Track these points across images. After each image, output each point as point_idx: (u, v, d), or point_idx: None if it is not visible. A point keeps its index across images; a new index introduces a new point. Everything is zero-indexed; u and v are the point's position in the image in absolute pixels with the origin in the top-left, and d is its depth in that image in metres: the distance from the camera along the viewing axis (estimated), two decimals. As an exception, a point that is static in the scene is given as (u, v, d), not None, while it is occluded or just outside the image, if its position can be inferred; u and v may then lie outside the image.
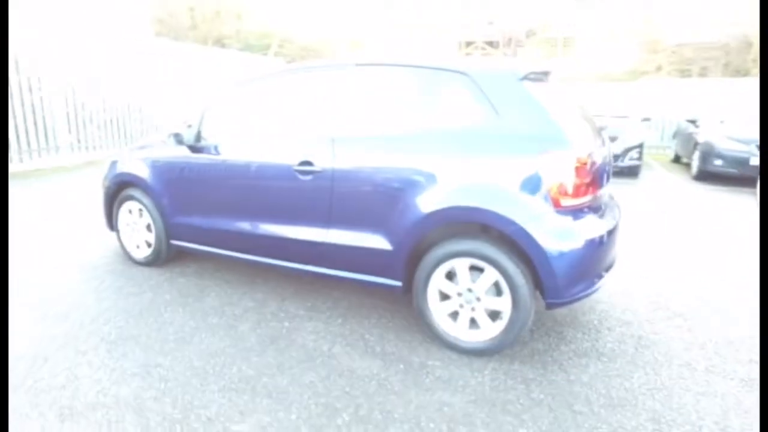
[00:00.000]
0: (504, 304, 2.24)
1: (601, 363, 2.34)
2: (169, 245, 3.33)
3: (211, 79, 10.77)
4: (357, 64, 2.62)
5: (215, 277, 3.31)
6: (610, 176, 2.82)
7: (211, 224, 3.05)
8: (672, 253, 4.03)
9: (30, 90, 7.42)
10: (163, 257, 3.39)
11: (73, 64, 8.09)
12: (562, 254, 2.12)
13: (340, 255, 2.58)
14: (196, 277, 3.32)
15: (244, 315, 2.79)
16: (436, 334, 2.43)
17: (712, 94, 10.92)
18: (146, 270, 3.42)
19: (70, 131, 8.05)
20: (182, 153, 3.09)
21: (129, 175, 3.36)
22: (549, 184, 2.11)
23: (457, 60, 2.41)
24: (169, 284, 3.19)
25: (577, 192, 2.16)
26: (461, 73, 2.31)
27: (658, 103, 11.39)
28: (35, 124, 7.53)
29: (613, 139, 7.72)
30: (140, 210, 3.39)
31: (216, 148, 2.97)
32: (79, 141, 8.25)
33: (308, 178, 2.58)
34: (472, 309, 2.33)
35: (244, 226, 2.90)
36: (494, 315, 2.31)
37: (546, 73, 2.54)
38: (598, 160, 2.48)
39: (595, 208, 2.39)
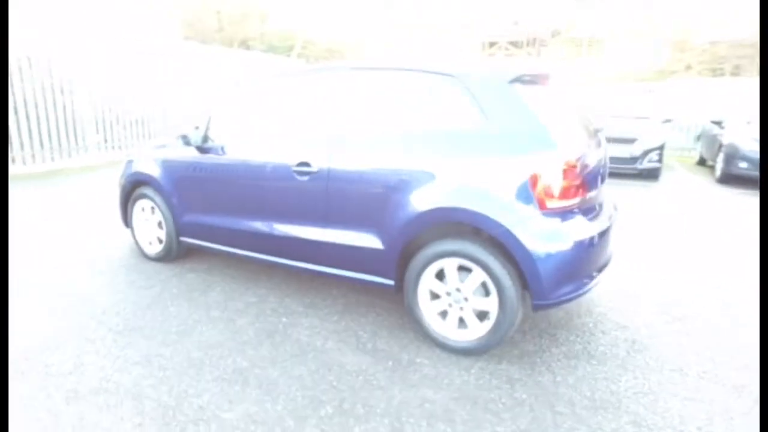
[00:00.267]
0: (491, 304, 2.27)
1: (590, 366, 2.35)
2: (179, 242, 3.47)
3: (234, 80, 11.05)
4: (353, 68, 2.70)
5: (222, 273, 3.44)
6: (606, 177, 2.81)
7: (216, 222, 3.17)
8: (682, 258, 3.95)
9: (62, 92, 7.80)
10: (174, 253, 3.54)
11: (102, 67, 8.45)
12: (547, 256, 2.13)
13: (336, 253, 2.66)
14: (204, 273, 3.45)
15: (245, 310, 2.90)
16: (426, 332, 2.48)
17: (744, 94, 10.52)
18: (158, 265, 3.58)
19: (97, 131, 8.40)
20: (191, 153, 3.23)
21: (142, 174, 3.53)
22: (535, 187, 2.13)
23: (448, 63, 2.45)
24: (178, 279, 3.34)
25: (565, 194, 2.18)
26: (451, 76, 2.36)
27: (686, 104, 11.07)
28: (66, 125, 7.90)
29: (631, 140, 7.59)
30: (152, 208, 3.55)
31: (221, 149, 3.09)
32: (106, 141, 8.60)
33: (305, 178, 2.67)
34: (461, 309, 2.37)
35: (247, 224, 3.01)
36: (482, 315, 2.34)
37: (540, 76, 2.55)
38: (591, 163, 2.48)
39: (587, 210, 2.40)
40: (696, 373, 2.29)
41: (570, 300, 2.33)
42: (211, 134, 3.18)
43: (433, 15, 24.63)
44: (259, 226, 2.96)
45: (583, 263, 2.29)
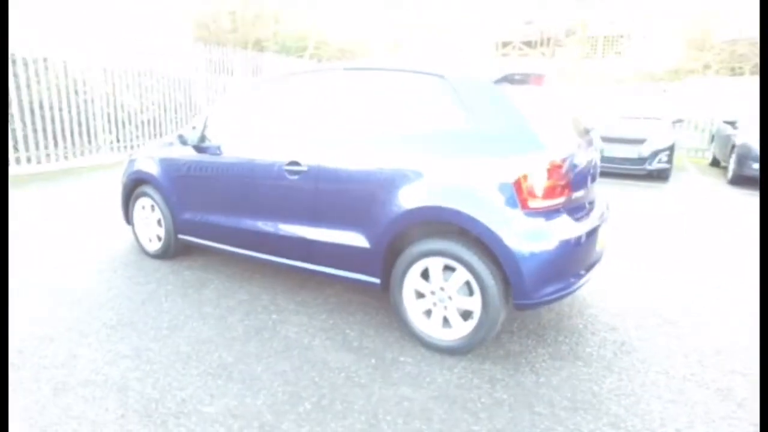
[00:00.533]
0: (475, 304, 2.27)
1: (575, 367, 2.33)
2: (177, 239, 3.54)
3: (245, 81, 11.18)
4: (345, 69, 2.72)
5: (218, 271, 3.50)
6: (597, 176, 2.79)
7: (212, 220, 3.23)
8: (681, 259, 3.89)
9: (76, 93, 8.00)
10: (172, 251, 3.62)
11: (115, 67, 8.64)
12: (530, 255, 2.13)
13: (324, 251, 2.69)
14: (200, 270, 3.52)
15: (237, 307, 2.94)
16: (411, 331, 2.49)
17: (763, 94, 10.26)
18: (156, 262, 3.65)
19: (110, 131, 8.60)
20: (188, 153, 3.29)
21: (142, 173, 3.61)
22: (517, 186, 2.12)
23: (436, 63, 2.45)
24: (175, 276, 3.40)
25: (549, 194, 2.17)
26: (438, 76, 2.36)
27: (702, 104, 10.84)
28: (79, 125, 8.10)
29: (640, 141, 7.48)
30: (152, 206, 3.63)
31: (217, 148, 3.15)
32: (118, 140, 8.80)
33: (295, 177, 2.70)
34: (445, 308, 2.37)
35: (241, 222, 3.06)
36: (466, 315, 2.34)
37: (530, 75, 2.54)
38: (580, 162, 2.47)
39: (575, 208, 2.38)
40: (682, 376, 2.25)
41: (556, 300, 2.32)
42: (208, 134, 3.24)
43: (445, 15, 24.55)
44: (252, 224, 3.01)
45: (568, 262, 2.27)
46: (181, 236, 3.51)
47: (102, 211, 5.07)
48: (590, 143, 2.74)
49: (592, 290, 3.22)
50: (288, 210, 2.81)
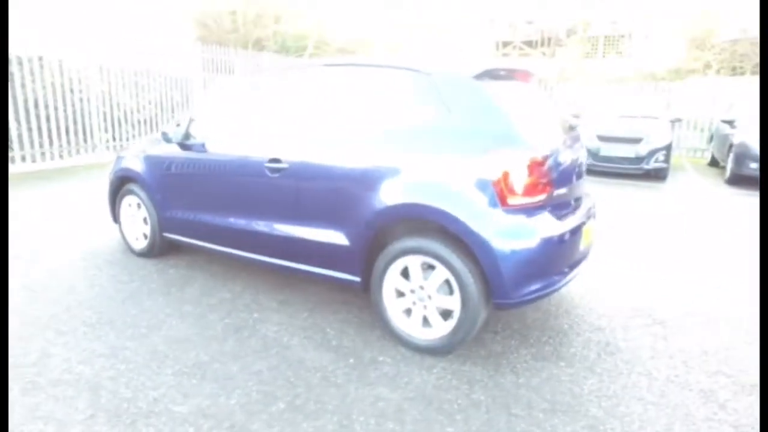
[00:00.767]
0: (454, 303, 2.23)
1: (557, 368, 2.29)
2: (162, 237, 3.51)
3: (229, 78, 11.16)
4: (326, 65, 2.69)
5: (202, 269, 3.47)
6: (583, 173, 2.74)
7: (195, 218, 3.20)
8: (676, 260, 3.84)
9: (71, 91, 7.99)
10: (157, 249, 3.58)
11: (112, 66, 8.63)
12: (509, 253, 2.08)
13: (304, 249, 2.65)
14: (185, 269, 3.48)
15: (218, 305, 2.91)
16: (391, 330, 2.45)
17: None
18: (142, 261, 3.62)
19: (106, 130, 8.58)
20: (173, 150, 3.26)
21: (128, 170, 3.58)
22: (496, 183, 2.08)
23: (415, 59, 2.41)
24: (159, 274, 3.37)
25: (529, 191, 2.12)
26: (418, 71, 2.33)
27: (702, 103, 10.76)
28: (75, 123, 8.08)
29: (637, 140, 7.42)
30: (138, 204, 3.60)
31: (202, 145, 3.12)
32: (114, 139, 8.78)
33: (276, 174, 2.67)
34: (424, 307, 2.33)
35: (224, 220, 3.03)
36: (446, 314, 2.30)
37: (514, 71, 2.50)
38: (564, 159, 2.42)
39: (558, 206, 2.34)
40: (665, 377, 2.21)
41: (538, 299, 2.28)
42: (193, 131, 3.21)
43: (445, 15, 24.50)
44: (235, 221, 2.98)
45: (550, 261, 2.23)
46: (166, 234, 3.48)
47: (93, 210, 5.03)
48: (576, 140, 2.70)
49: (581, 290, 3.18)
50: (269, 207, 2.77)
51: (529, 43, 24.92)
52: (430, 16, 25.15)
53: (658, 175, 7.61)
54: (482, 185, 2.09)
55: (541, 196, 2.17)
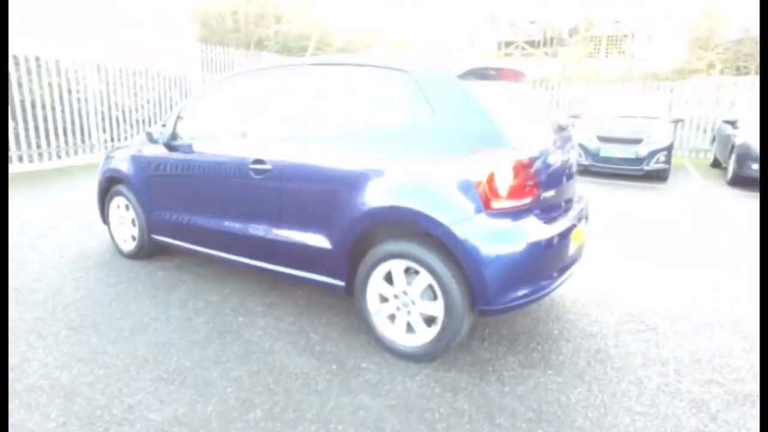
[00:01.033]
0: (438, 309, 2.18)
1: (545, 376, 2.23)
2: (151, 239, 3.47)
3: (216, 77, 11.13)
4: (311, 64, 2.64)
5: (191, 272, 3.43)
6: (574, 175, 2.68)
7: (183, 220, 3.16)
8: (670, 263, 3.77)
9: (69, 92, 7.98)
10: (146, 251, 3.55)
11: (110, 66, 8.61)
12: (493, 258, 2.03)
13: (288, 252, 2.61)
14: (174, 271, 3.44)
15: (204, 308, 2.87)
16: (375, 336, 2.40)
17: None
18: (130, 263, 3.59)
19: (104, 130, 8.57)
20: (160, 151, 3.23)
21: (117, 171, 3.55)
22: (479, 185, 2.03)
23: (401, 58, 2.36)
24: (147, 277, 3.33)
25: (514, 194, 2.07)
26: (402, 71, 2.27)
27: (706, 103, 10.66)
28: (73, 123, 8.08)
29: (637, 141, 7.34)
30: (126, 205, 3.56)
31: (187, 146, 3.08)
32: (112, 139, 8.77)
33: (260, 176, 2.62)
34: (408, 312, 2.28)
35: (210, 222, 2.99)
36: (430, 320, 2.25)
37: (501, 70, 2.45)
38: (553, 161, 2.37)
39: (547, 209, 2.29)
40: (656, 386, 2.15)
41: (524, 305, 2.23)
42: (179, 131, 3.17)
43: (446, 14, 24.40)
44: (221, 223, 2.93)
45: (536, 266, 2.17)
46: (154, 236, 3.44)
47: (88, 211, 5.01)
48: (566, 140, 2.64)
49: (574, 294, 3.12)
50: (254, 209, 2.73)
51: (532, 43, 24.80)
52: (431, 16, 25.07)
53: (658, 176, 7.53)
54: (465, 188, 2.04)
55: (527, 199, 2.11)
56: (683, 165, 9.46)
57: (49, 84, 7.65)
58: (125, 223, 3.63)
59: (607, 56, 21.06)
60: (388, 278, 2.32)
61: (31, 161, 7.53)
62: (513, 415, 1.95)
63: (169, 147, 3.16)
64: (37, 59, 7.46)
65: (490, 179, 2.02)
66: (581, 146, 7.77)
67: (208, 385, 2.12)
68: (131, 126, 9.14)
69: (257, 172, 2.63)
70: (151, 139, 3.14)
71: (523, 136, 2.19)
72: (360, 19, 24.27)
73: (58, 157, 7.95)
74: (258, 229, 2.72)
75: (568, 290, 3.18)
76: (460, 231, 2.01)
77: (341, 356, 2.36)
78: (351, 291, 2.47)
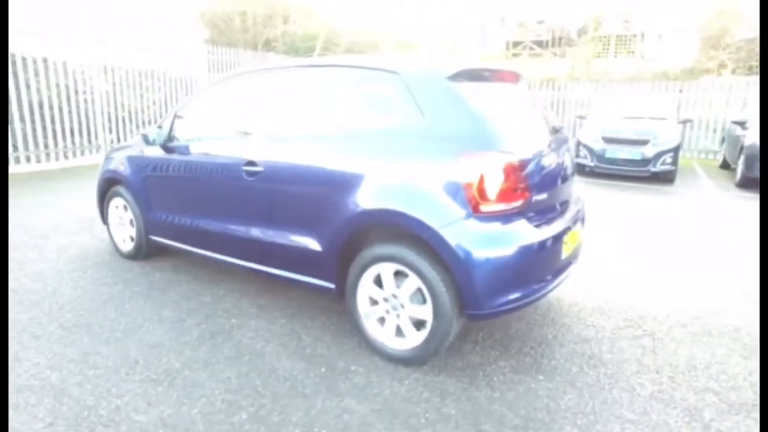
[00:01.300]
0: (427, 312, 2.16)
1: (535, 382, 2.20)
2: (148, 240, 3.49)
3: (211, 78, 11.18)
4: (302, 65, 2.63)
5: (187, 273, 3.44)
6: (569, 177, 2.65)
7: (178, 221, 3.17)
8: (672, 266, 3.70)
9: (76, 92, 8.07)
10: (144, 251, 3.57)
11: (116, 67, 8.70)
12: (482, 262, 2.00)
13: (279, 254, 2.61)
14: (170, 272, 3.46)
15: (198, 310, 2.87)
16: (365, 339, 2.39)
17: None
18: (128, 263, 3.61)
19: (110, 130, 8.66)
20: (156, 152, 3.24)
21: (115, 172, 3.57)
22: (468, 188, 2.00)
23: (390, 59, 2.35)
24: (143, 277, 3.35)
25: (503, 197, 2.04)
26: (391, 72, 2.26)
27: (716, 104, 10.50)
28: (79, 124, 8.17)
29: (643, 142, 7.25)
30: (125, 206, 3.58)
31: (182, 148, 3.09)
32: (118, 140, 8.85)
33: (252, 178, 2.62)
34: (398, 316, 2.26)
35: (205, 223, 3.00)
36: (420, 324, 2.23)
37: (494, 72, 2.42)
38: (547, 163, 2.34)
39: (541, 211, 2.26)
40: (649, 393, 2.11)
41: (515, 309, 2.20)
42: (175, 133, 3.18)
43: (454, 14, 24.32)
44: (216, 225, 2.94)
45: (528, 270, 2.14)
46: (151, 237, 3.46)
47: (90, 211, 5.06)
48: (562, 142, 2.60)
49: (572, 297, 3.08)
50: (247, 210, 2.73)
51: (540, 43, 24.63)
52: (439, 16, 25.01)
53: (665, 178, 7.42)
54: (453, 190, 2.01)
55: (518, 203, 2.08)
56: (691, 167, 9.32)
57: (57, 85, 7.74)
58: (124, 223, 3.66)
59: (615, 56, 20.84)
60: (378, 281, 2.30)
61: (38, 161, 7.63)
62: (500, 421, 1.92)
63: (165, 148, 3.17)
64: (45, 60, 7.56)
65: (479, 182, 1.99)
66: (586, 147, 7.69)
67: (196, 387, 2.12)
68: (137, 126, 9.22)
69: (249, 174, 2.62)
70: (147, 141, 3.16)
71: (515, 138, 2.16)
72: (367, 20, 24.29)
73: (65, 157, 8.05)
74: (250, 231, 2.72)
75: (566, 293, 3.14)
76: (449, 234, 1.99)
77: (331, 359, 2.35)
78: (342, 294, 2.46)
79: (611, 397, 2.09)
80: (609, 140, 7.49)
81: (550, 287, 2.31)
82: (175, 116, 3.18)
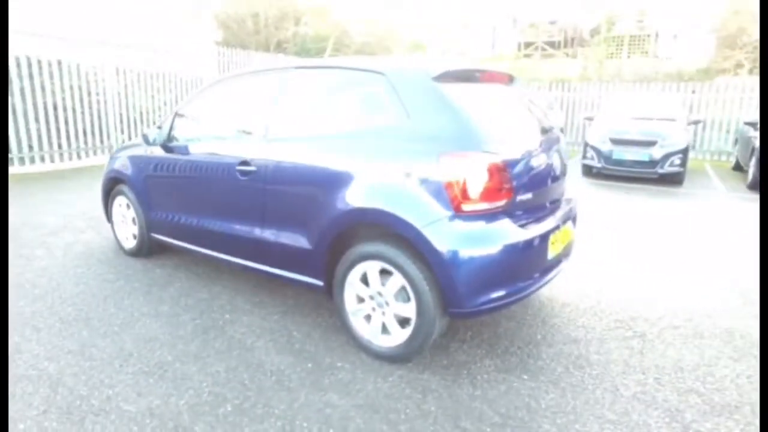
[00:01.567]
0: (411, 310, 2.19)
1: (519, 381, 2.21)
2: (150, 238, 3.58)
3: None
4: (295, 67, 2.69)
5: (187, 270, 3.52)
6: (560, 176, 2.66)
7: (177, 219, 3.25)
8: (673, 269, 3.67)
9: (89, 93, 8.27)
10: (146, 249, 3.66)
11: (128, 68, 8.89)
12: (464, 261, 2.02)
13: (271, 252, 2.66)
14: (171, 269, 3.54)
15: (194, 306, 2.94)
16: (352, 335, 2.43)
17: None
18: (131, 260, 3.71)
19: (122, 131, 8.85)
20: (156, 152, 3.33)
21: (118, 171, 3.67)
22: (449, 188, 2.03)
23: (378, 60, 2.39)
24: (144, 274, 3.44)
25: (486, 197, 2.06)
26: (379, 73, 2.30)
27: (731, 104, 10.32)
28: (92, 124, 8.37)
29: (651, 143, 7.16)
30: (127, 204, 3.68)
31: (181, 148, 3.17)
32: (130, 140, 9.04)
33: (246, 177, 2.68)
34: (383, 313, 2.30)
35: (200, 221, 3.07)
36: (404, 321, 2.26)
37: (481, 72, 2.45)
38: (535, 163, 2.36)
39: (527, 210, 2.28)
40: (632, 394, 2.11)
41: (501, 307, 2.22)
42: (175, 133, 3.26)
43: (466, 16, 24.26)
44: (212, 223, 3.01)
45: (510, 269, 2.16)
46: (153, 234, 3.55)
47: (98, 210, 5.19)
48: (554, 142, 2.61)
49: (566, 298, 3.08)
50: (241, 209, 2.79)
51: (552, 44, 24.43)
52: (451, 18, 24.96)
53: (673, 180, 7.32)
54: (435, 190, 2.04)
55: (501, 202, 2.10)
56: (703, 168, 9.18)
57: (71, 87, 7.95)
58: (127, 221, 3.75)
59: (629, 56, 20.56)
60: (365, 279, 2.33)
61: (52, 161, 7.84)
62: (479, 418, 1.94)
63: (165, 148, 3.26)
64: (59, 63, 7.76)
65: (461, 182, 2.02)
66: (593, 148, 7.63)
67: (186, 379, 2.18)
68: (149, 127, 9.40)
69: (243, 173, 2.69)
70: (147, 141, 3.25)
71: (500, 138, 2.18)
72: (378, 21, 24.36)
73: (78, 157, 8.25)
74: (244, 229, 2.78)
75: (561, 294, 3.14)
76: (430, 233, 2.02)
77: (318, 355, 2.40)
78: (330, 291, 2.50)
79: (594, 397, 2.09)
80: (616, 141, 7.42)
81: (537, 285, 2.32)
82: (175, 117, 3.26)
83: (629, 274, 3.55)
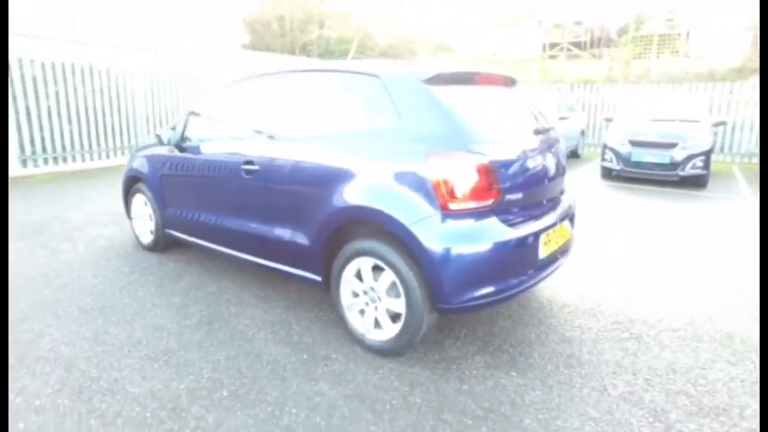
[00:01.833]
0: (402, 305, 2.26)
1: (507, 377, 2.25)
2: (165, 233, 3.76)
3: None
4: (298, 70, 2.80)
5: (200, 264, 3.68)
6: (557, 175, 2.68)
7: (188, 216, 3.42)
8: (682, 273, 3.61)
9: (118, 96, 8.66)
10: (161, 244, 3.84)
11: (156, 71, 9.25)
12: (451, 258, 2.08)
13: (274, 248, 2.78)
14: (184, 263, 3.71)
15: (203, 298, 3.09)
16: (348, 329, 2.51)
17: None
18: (147, 254, 3.90)
19: (148, 132, 9.21)
20: (172, 152, 3.50)
21: (137, 170, 3.87)
22: (437, 187, 2.09)
23: (375, 64, 2.47)
24: (158, 267, 3.62)
25: (473, 196, 2.12)
26: (373, 76, 2.38)
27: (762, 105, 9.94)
28: (120, 125, 8.75)
29: (671, 145, 7.00)
30: (145, 202, 3.88)
31: (193, 147, 3.33)
32: (156, 141, 9.41)
33: (250, 176, 2.81)
34: (375, 308, 2.38)
35: (209, 218, 3.22)
36: (396, 316, 2.33)
37: (474, 74, 2.51)
38: (531, 163, 2.40)
39: (520, 209, 2.32)
40: (618, 394, 2.12)
41: (487, 305, 2.26)
42: (188, 133, 3.43)
43: (492, 17, 24.07)
44: (220, 219, 3.15)
45: (498, 266, 2.20)
46: (167, 230, 3.73)
47: (121, 207, 5.45)
48: (551, 142, 2.64)
49: (567, 299, 3.09)
50: (246, 206, 2.92)
51: (578, 44, 23.99)
52: (477, 20, 24.83)
53: (696, 182, 7.13)
54: (424, 189, 2.11)
55: (488, 201, 2.15)
56: (730, 171, 8.89)
57: (101, 89, 8.34)
58: (144, 218, 3.95)
59: (658, 56, 20.01)
60: (359, 275, 2.42)
61: (83, 161, 8.24)
62: (462, 411, 2.00)
63: (179, 148, 3.43)
64: (90, 67, 8.16)
65: (447, 181, 2.08)
66: (612, 150, 7.51)
67: (188, 366, 2.31)
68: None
69: (248, 172, 2.81)
70: (160, 141, 3.42)
71: (490, 139, 2.23)
72: (403, 24, 24.46)
73: (107, 156, 8.64)
74: (249, 226, 2.91)
75: (562, 295, 3.15)
76: (418, 230, 2.09)
77: (315, 347, 2.50)
78: (328, 286, 2.59)
79: (580, 395, 2.12)
80: (636, 143, 7.28)
81: (528, 283, 2.36)
82: (188, 118, 3.42)
83: (634, 276, 3.52)
